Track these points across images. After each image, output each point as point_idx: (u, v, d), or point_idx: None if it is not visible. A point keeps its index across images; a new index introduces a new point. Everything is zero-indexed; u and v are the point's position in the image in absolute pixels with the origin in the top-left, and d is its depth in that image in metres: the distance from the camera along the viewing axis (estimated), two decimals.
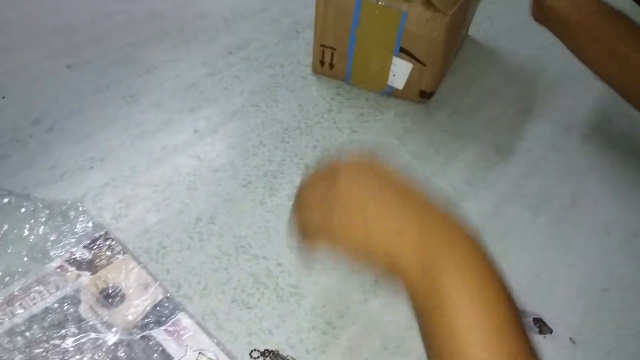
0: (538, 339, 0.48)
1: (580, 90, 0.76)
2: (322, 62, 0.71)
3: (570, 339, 0.48)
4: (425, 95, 0.68)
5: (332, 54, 0.69)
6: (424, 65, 0.64)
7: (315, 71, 0.73)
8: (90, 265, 0.42)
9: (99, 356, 0.37)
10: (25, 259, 0.41)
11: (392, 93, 0.69)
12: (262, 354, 0.43)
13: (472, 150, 0.65)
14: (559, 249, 0.56)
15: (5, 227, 0.42)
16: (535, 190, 0.62)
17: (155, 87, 0.69)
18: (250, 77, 0.72)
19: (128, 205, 0.54)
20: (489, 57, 0.81)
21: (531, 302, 0.50)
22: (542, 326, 0.49)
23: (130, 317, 0.39)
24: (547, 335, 0.48)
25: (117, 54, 0.73)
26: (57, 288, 0.40)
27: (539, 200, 0.61)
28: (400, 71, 0.65)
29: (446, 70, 0.72)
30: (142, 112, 0.65)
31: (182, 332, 0.39)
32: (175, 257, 0.51)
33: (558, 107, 0.73)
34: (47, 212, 0.44)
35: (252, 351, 0.43)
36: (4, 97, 0.64)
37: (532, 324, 0.49)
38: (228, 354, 0.40)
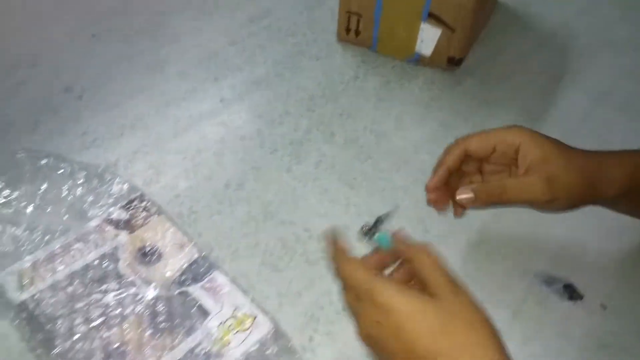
0: (568, 305, 0.48)
1: (613, 57, 0.74)
2: (347, 30, 0.70)
3: (601, 304, 0.48)
4: (454, 62, 0.66)
5: (358, 21, 0.68)
6: (453, 30, 0.63)
7: (340, 39, 0.72)
8: (127, 225, 0.43)
9: (139, 310, 0.38)
10: (66, 217, 0.42)
11: (419, 60, 0.68)
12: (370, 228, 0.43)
13: (502, 119, 0.64)
14: (590, 217, 0.55)
15: (44, 186, 0.43)
16: None
17: (179, 57, 0.69)
18: (273, 46, 0.71)
19: (158, 172, 0.55)
20: (519, 23, 0.79)
21: (562, 268, 0.50)
22: (573, 292, 0.49)
23: (168, 274, 0.40)
24: (578, 301, 0.48)
25: (140, 24, 0.73)
26: (96, 246, 0.41)
27: None
28: (428, 37, 0.64)
29: (475, 37, 0.71)
30: (167, 81, 0.65)
31: (218, 289, 0.40)
32: (205, 221, 0.51)
33: (591, 74, 0.71)
34: (85, 173, 0.45)
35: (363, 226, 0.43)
36: (34, 65, 0.65)
37: (562, 290, 0.49)
38: (263, 310, 0.41)
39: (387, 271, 0.40)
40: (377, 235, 0.41)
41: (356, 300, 0.36)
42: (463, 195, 0.43)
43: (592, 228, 0.54)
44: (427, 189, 0.46)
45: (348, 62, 0.70)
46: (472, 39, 0.68)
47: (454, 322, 0.33)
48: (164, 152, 0.57)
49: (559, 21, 0.78)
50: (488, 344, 0.33)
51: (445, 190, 0.46)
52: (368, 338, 0.35)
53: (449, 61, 0.66)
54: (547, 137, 0.44)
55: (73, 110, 0.60)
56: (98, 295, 0.38)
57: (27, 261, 0.40)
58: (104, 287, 0.38)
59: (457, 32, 0.63)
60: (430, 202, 0.47)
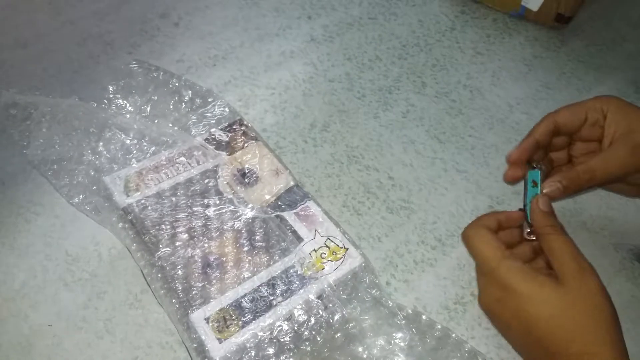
0: None
1: None
2: None
3: None
4: (562, 20, 0.62)
5: None
6: None
7: None
8: (227, 147, 0.44)
9: (238, 226, 0.39)
10: (172, 130, 0.43)
11: (524, 15, 0.64)
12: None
13: (608, 85, 0.60)
14: None
15: (154, 98, 0.44)
16: None
17: None
18: None
19: (247, 104, 0.55)
20: None
21: None
22: None
23: (266, 197, 0.41)
24: None
25: None
26: (199, 162, 0.42)
27: None
28: None
29: None
30: (261, 16, 0.65)
31: (311, 218, 0.41)
32: (290, 157, 0.52)
33: None
34: (190, 92, 0.46)
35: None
36: None
37: None
38: (354, 244, 0.41)
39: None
40: (531, 171, 0.40)
41: (480, 273, 0.37)
42: (551, 189, 0.40)
43: None
44: (509, 160, 0.42)
45: (446, 11, 0.66)
46: None
47: (574, 310, 0.33)
48: (253, 86, 0.57)
49: None
50: (603, 336, 0.33)
51: (524, 168, 0.42)
52: (488, 310, 0.37)
53: (557, 19, 0.62)
54: (637, 107, 0.41)
55: (169, 37, 0.61)
56: (200, 208, 0.39)
57: (134, 168, 0.42)
58: (205, 201, 0.40)
59: None
60: (506, 177, 0.43)
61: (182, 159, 0.42)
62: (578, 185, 0.40)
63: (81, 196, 0.43)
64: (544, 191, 0.40)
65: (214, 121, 0.45)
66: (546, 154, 0.44)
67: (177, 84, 0.46)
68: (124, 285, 0.42)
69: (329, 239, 0.39)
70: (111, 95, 0.46)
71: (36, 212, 0.46)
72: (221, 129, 0.45)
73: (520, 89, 0.59)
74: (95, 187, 0.42)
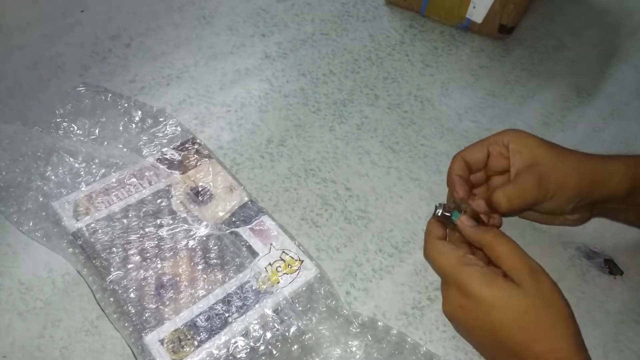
0: (608, 280, 0.47)
1: None
2: None
3: None
4: (505, 30, 0.65)
5: None
6: None
7: (388, 1, 0.70)
8: (179, 166, 0.44)
9: (192, 245, 0.39)
10: (122, 152, 0.43)
11: (469, 27, 0.67)
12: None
13: (551, 91, 0.63)
14: None
15: (102, 121, 0.44)
16: (615, 135, 0.59)
17: (228, 11, 0.68)
18: (321, 5, 0.70)
19: (203, 123, 0.56)
20: None
21: (603, 244, 0.50)
22: (613, 267, 0.48)
23: (220, 214, 0.41)
24: (618, 277, 0.48)
25: None
26: (150, 183, 0.42)
27: (619, 144, 0.58)
28: (481, 2, 0.62)
29: (528, 6, 0.69)
30: (215, 34, 0.65)
31: (266, 232, 0.41)
32: (248, 173, 0.52)
33: None
34: (140, 112, 0.46)
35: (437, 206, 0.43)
36: (83, 11, 0.66)
37: (603, 264, 0.49)
38: (309, 256, 0.41)
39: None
40: (454, 213, 0.42)
41: (442, 282, 0.39)
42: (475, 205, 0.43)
43: None
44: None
45: (395, 26, 0.69)
46: (525, 6, 0.66)
47: (534, 310, 0.35)
48: (209, 104, 0.58)
49: None
50: (563, 331, 0.35)
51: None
52: (451, 317, 0.38)
53: (500, 29, 0.65)
54: (538, 138, 0.43)
55: (121, 58, 0.61)
56: (152, 229, 0.39)
57: (83, 192, 0.41)
58: (158, 221, 0.39)
59: None
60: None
61: (133, 180, 0.42)
62: (497, 208, 0.42)
63: (31, 223, 0.42)
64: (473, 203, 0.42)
65: (165, 140, 0.45)
66: (471, 192, 0.46)
67: (126, 105, 0.46)
68: (80, 311, 0.41)
69: (284, 252, 0.40)
70: (59, 119, 0.45)
71: None
72: (173, 148, 0.45)
73: (468, 98, 0.61)
74: (44, 213, 0.41)
